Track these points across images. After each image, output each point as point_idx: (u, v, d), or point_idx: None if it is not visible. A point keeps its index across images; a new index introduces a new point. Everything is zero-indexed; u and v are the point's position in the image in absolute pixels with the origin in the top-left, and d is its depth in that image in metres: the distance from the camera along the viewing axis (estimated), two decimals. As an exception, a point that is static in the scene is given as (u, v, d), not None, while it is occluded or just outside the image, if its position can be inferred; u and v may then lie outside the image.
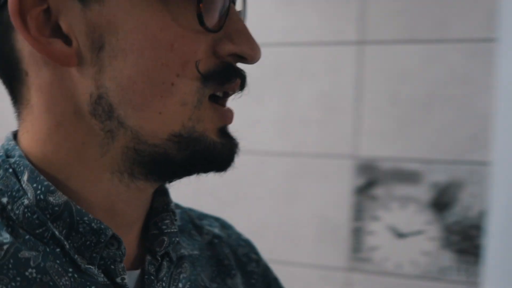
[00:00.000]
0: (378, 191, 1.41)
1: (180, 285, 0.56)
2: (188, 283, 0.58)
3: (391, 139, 1.40)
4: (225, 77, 0.51)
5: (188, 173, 0.52)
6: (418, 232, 1.37)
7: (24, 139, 0.53)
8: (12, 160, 0.51)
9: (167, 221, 0.57)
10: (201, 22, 0.48)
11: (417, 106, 1.39)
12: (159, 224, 0.57)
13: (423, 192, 1.38)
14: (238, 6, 0.55)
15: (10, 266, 0.46)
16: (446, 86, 1.36)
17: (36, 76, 0.50)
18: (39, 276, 0.47)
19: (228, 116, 0.52)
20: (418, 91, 1.39)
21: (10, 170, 0.51)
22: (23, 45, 0.49)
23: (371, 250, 1.41)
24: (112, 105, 0.49)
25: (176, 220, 0.58)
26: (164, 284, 0.55)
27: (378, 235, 1.41)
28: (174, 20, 0.48)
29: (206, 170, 0.52)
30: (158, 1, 0.48)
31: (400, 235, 1.38)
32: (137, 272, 0.54)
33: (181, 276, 0.57)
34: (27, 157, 0.51)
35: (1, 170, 0.51)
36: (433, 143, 1.38)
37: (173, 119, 0.49)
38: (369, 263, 1.42)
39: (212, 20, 0.50)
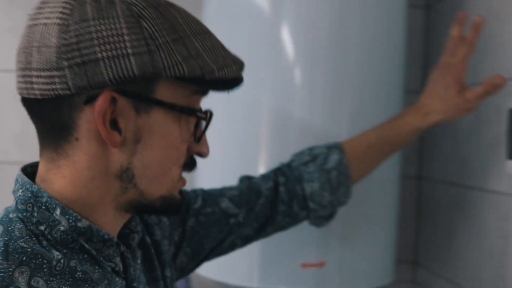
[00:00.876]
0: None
1: (138, 260, 0.87)
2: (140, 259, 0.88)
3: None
4: (192, 165, 0.83)
5: (155, 214, 0.82)
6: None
7: (58, 181, 0.75)
8: (43, 199, 0.73)
9: (133, 223, 0.85)
10: (197, 140, 0.81)
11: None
12: (129, 226, 0.85)
13: None
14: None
15: (67, 272, 0.72)
16: None
17: (86, 144, 0.73)
18: (83, 276, 0.73)
19: (184, 183, 0.83)
20: None
21: (43, 207, 0.73)
22: (83, 123, 0.72)
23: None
24: (134, 175, 0.75)
25: (139, 223, 0.87)
26: (131, 261, 0.84)
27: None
28: (181, 133, 0.77)
29: (168, 214, 0.82)
30: (177, 123, 0.76)
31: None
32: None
33: (137, 255, 0.88)
34: (55, 197, 0.74)
35: (35, 207, 0.73)
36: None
37: (165, 187, 0.79)
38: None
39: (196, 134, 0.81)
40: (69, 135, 0.73)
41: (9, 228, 0.72)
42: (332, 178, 1.13)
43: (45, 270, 0.70)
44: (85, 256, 0.75)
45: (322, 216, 1.17)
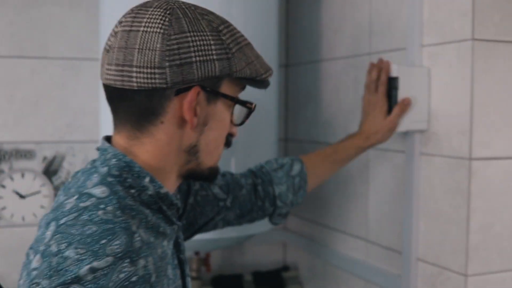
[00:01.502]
0: (3, 166, 1.82)
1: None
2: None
3: (10, 128, 1.83)
4: (229, 143, 1.05)
5: (202, 180, 1.06)
6: (36, 193, 1.85)
7: (143, 155, 0.96)
8: (136, 169, 0.94)
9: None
10: (236, 123, 1.03)
11: (29, 104, 1.84)
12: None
13: (37, 164, 1.84)
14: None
15: (154, 226, 0.92)
16: (50, 90, 1.85)
17: (169, 126, 0.94)
18: (162, 230, 0.95)
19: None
20: (29, 93, 1.83)
21: (136, 175, 0.94)
22: (170, 110, 0.93)
23: (1, 210, 1.83)
24: (198, 150, 0.98)
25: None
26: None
27: (5, 198, 1.83)
28: (229, 118, 1.00)
29: (210, 180, 1.05)
30: (229, 111, 0.99)
31: (22, 196, 1.84)
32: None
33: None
34: (143, 166, 0.94)
35: (129, 175, 0.93)
36: (42, 129, 1.85)
37: (215, 160, 1.03)
38: (1, 220, 1.83)
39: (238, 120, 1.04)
40: (156, 119, 0.94)
41: (113, 189, 0.91)
42: (295, 183, 1.41)
43: (143, 223, 0.90)
44: (160, 215, 0.96)
45: (281, 214, 1.44)
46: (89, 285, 0.79)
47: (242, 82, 0.99)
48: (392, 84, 1.41)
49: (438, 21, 1.38)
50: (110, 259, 0.80)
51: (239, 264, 2.06)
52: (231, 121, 1.02)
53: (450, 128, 1.36)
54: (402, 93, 1.40)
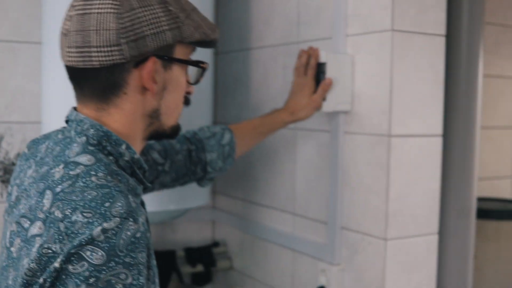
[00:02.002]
0: None
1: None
2: None
3: None
4: (188, 101, 1.16)
5: (165, 138, 1.15)
6: None
7: (112, 124, 1.04)
8: (113, 137, 1.03)
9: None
10: (192, 82, 1.14)
11: None
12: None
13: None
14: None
15: (132, 188, 1.03)
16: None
17: (132, 96, 1.04)
18: (138, 192, 1.06)
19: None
20: None
21: (113, 143, 1.03)
22: (131, 81, 1.03)
23: None
24: (160, 113, 1.08)
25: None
26: None
27: None
28: (185, 79, 1.11)
29: (172, 137, 1.16)
30: (184, 72, 1.10)
31: None
32: None
33: None
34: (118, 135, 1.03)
35: (108, 143, 1.02)
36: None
37: (175, 119, 1.13)
38: None
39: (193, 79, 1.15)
40: (119, 91, 1.03)
41: (97, 157, 0.99)
42: (225, 151, 1.55)
43: (127, 186, 1.01)
44: (134, 179, 1.07)
45: (210, 178, 1.58)
46: (102, 245, 0.87)
47: (193, 45, 1.09)
48: (320, 69, 1.56)
49: (361, 14, 1.54)
50: (117, 219, 0.89)
51: (171, 241, 2.17)
52: (187, 81, 1.12)
53: (371, 109, 1.52)
54: (329, 78, 1.55)
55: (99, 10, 0.99)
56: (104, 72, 1.01)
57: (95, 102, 1.05)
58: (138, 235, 0.90)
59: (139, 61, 1.02)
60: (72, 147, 1.01)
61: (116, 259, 0.88)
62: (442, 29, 1.53)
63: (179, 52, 1.07)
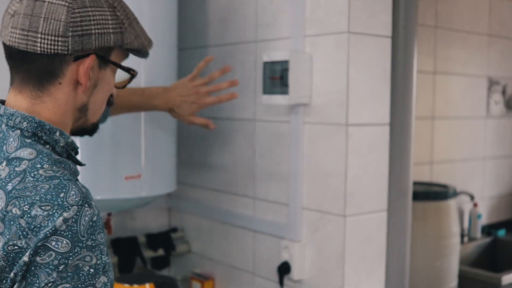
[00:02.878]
0: None
1: None
2: None
3: None
4: (110, 103, 1.20)
5: (85, 134, 1.20)
6: None
7: (45, 112, 1.07)
8: (47, 127, 1.05)
9: None
10: (118, 86, 1.22)
11: None
12: None
13: None
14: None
15: (72, 171, 1.07)
16: None
17: (66, 87, 1.08)
18: (76, 172, 1.09)
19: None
20: None
21: (48, 132, 1.06)
22: (68, 73, 1.06)
23: None
24: (88, 108, 1.13)
25: None
26: None
27: None
28: (113, 81, 1.15)
29: (91, 135, 1.21)
30: (114, 75, 1.15)
31: None
32: None
33: None
34: (51, 123, 1.06)
35: (43, 133, 1.05)
36: None
37: (97, 117, 1.17)
38: None
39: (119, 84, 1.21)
40: (55, 80, 1.07)
41: (37, 149, 1.02)
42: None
43: (69, 171, 1.05)
44: (70, 161, 1.09)
45: None
46: (66, 233, 0.93)
47: (129, 52, 1.15)
48: (284, 66, 1.74)
49: (318, 17, 1.73)
50: (75, 208, 0.94)
51: (131, 228, 2.29)
52: (118, 86, 1.20)
53: (329, 101, 1.72)
54: (291, 74, 1.73)
55: (52, 0, 1.04)
56: (44, 59, 1.05)
57: (30, 88, 1.08)
58: (94, 218, 0.97)
59: (79, 56, 1.06)
60: (8, 142, 1.04)
61: (80, 244, 0.94)
62: (388, 31, 1.75)
63: (115, 56, 1.13)
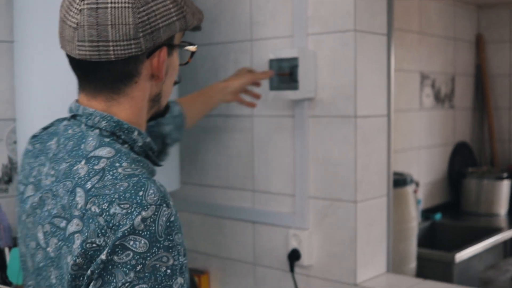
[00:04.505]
0: None
1: None
2: None
3: None
4: (175, 83, 1.20)
5: (159, 117, 1.23)
6: None
7: (122, 112, 1.08)
8: (125, 126, 1.07)
9: None
10: (182, 63, 1.19)
11: None
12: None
13: None
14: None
15: (150, 170, 1.08)
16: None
17: (142, 84, 1.09)
18: (151, 169, 1.09)
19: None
20: None
21: (126, 131, 1.07)
22: (143, 70, 1.07)
23: None
24: (161, 96, 1.15)
25: None
26: None
27: None
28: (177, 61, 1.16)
29: (164, 115, 1.24)
30: (178, 55, 1.14)
31: None
32: None
33: None
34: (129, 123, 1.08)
35: (121, 132, 1.07)
36: None
37: (167, 99, 1.19)
38: None
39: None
40: (131, 81, 1.07)
41: (116, 148, 1.03)
42: (178, 122, 1.68)
43: (148, 170, 1.06)
44: (148, 160, 1.10)
45: (166, 153, 1.70)
46: (144, 233, 0.92)
47: (188, 30, 1.14)
48: (293, 63, 1.82)
49: (322, 16, 1.84)
50: (153, 207, 0.93)
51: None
52: (182, 63, 1.18)
53: (335, 95, 1.83)
54: (301, 70, 1.82)
55: (114, 5, 1.00)
56: (119, 64, 1.04)
57: (105, 93, 1.08)
58: (172, 218, 0.95)
59: (152, 51, 1.06)
60: (87, 141, 1.04)
61: (158, 245, 0.92)
62: (384, 29, 1.88)
63: (178, 38, 1.13)
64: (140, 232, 0.92)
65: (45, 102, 1.77)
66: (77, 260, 0.94)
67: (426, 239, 3.35)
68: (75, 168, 1.01)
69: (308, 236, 1.90)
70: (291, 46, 1.90)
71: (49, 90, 1.75)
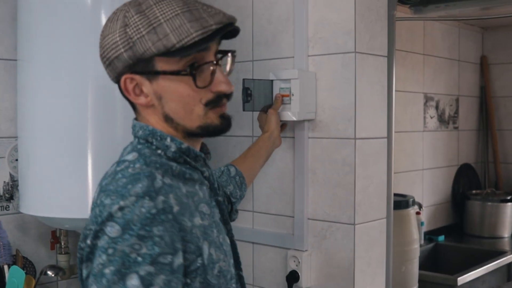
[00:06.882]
0: None
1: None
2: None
3: None
4: (217, 101, 1.19)
5: (204, 136, 1.24)
6: None
7: (154, 124, 1.18)
8: (158, 133, 1.17)
9: (204, 149, 1.34)
10: (197, 86, 1.15)
11: None
12: (202, 151, 1.29)
13: None
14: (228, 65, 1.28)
15: (180, 175, 1.16)
16: None
17: (140, 107, 1.21)
18: (189, 176, 1.19)
19: (220, 111, 1.22)
20: None
21: (159, 138, 1.17)
22: (129, 97, 1.20)
23: None
24: (172, 118, 1.18)
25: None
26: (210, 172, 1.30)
27: None
28: (189, 85, 1.14)
29: (211, 135, 1.23)
30: (178, 81, 1.14)
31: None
32: None
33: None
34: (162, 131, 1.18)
35: (154, 139, 1.17)
36: None
37: (197, 120, 1.19)
38: None
39: (204, 81, 1.16)
40: (134, 108, 1.25)
41: (141, 152, 1.16)
42: (237, 181, 1.72)
43: (169, 173, 1.14)
44: (187, 166, 1.20)
45: (235, 209, 1.72)
46: (118, 220, 1.03)
47: (172, 55, 1.11)
48: (292, 84, 1.82)
49: (322, 37, 1.84)
50: (133, 198, 1.05)
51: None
52: (197, 86, 1.14)
53: (335, 116, 1.82)
54: (301, 92, 1.82)
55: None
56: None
57: (135, 111, 1.25)
58: (153, 211, 1.04)
59: (118, 83, 1.18)
60: (126, 149, 1.21)
61: (131, 232, 1.02)
62: (385, 51, 1.89)
63: (163, 63, 1.12)
64: (116, 219, 1.03)
65: (46, 120, 1.78)
66: (81, 244, 1.11)
67: (429, 261, 3.33)
68: (108, 170, 1.17)
69: (307, 258, 1.89)
70: (291, 67, 1.91)
71: (51, 108, 1.77)
